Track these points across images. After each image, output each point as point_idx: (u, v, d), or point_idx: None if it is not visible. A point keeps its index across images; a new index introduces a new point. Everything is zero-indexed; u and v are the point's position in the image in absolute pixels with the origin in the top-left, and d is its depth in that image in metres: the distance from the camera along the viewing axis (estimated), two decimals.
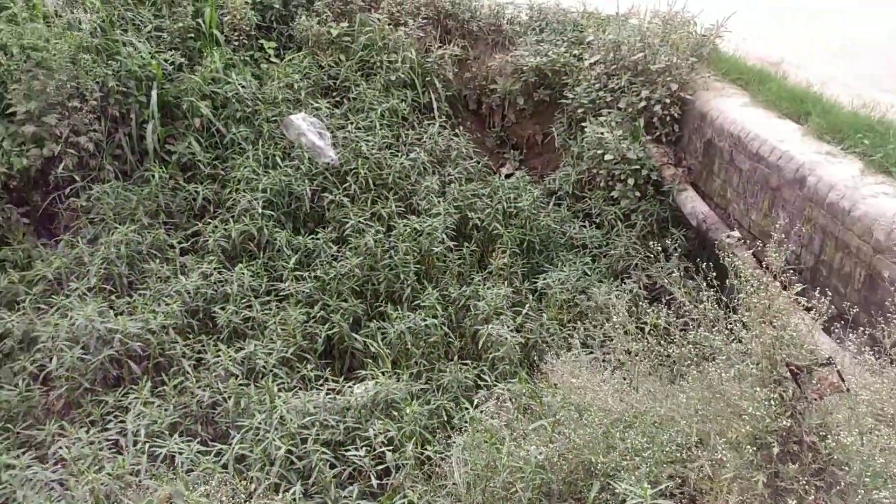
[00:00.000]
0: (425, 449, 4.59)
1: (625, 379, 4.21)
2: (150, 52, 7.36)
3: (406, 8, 8.97)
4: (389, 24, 8.67)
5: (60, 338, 5.42)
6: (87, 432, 4.75)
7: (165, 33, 7.78)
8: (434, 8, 9.12)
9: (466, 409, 4.85)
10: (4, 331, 5.81)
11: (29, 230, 6.98)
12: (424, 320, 6.14)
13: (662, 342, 3.93)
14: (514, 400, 4.49)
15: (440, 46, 8.95)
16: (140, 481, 4.24)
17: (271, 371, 5.60)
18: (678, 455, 3.35)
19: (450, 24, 9.22)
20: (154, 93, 7.18)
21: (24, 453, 4.73)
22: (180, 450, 4.50)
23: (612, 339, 5.60)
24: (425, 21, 9.00)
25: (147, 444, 4.66)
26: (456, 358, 5.91)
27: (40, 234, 7.13)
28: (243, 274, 6.40)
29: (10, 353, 5.88)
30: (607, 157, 7.48)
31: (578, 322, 6.14)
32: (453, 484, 3.94)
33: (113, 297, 6.20)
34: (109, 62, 7.12)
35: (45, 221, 7.22)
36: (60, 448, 4.64)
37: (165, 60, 7.46)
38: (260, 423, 4.83)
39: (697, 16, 8.27)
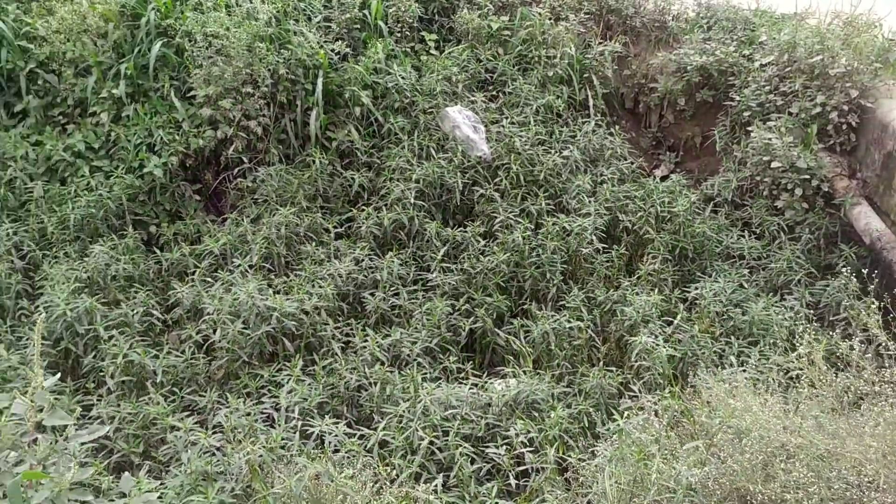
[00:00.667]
0: (567, 456, 4.53)
1: (786, 404, 3.97)
2: (318, 42, 7.65)
3: (568, 2, 8.83)
4: (550, 19, 8.57)
5: (224, 311, 5.76)
6: (244, 403, 5.04)
7: (333, 24, 8.07)
8: (597, 2, 8.93)
9: (612, 418, 4.74)
10: (175, 300, 6.26)
11: (200, 207, 7.48)
12: (569, 321, 6.05)
13: (836, 370, 3.66)
14: (662, 414, 4.34)
15: (600, 42, 8.75)
16: (291, 457, 4.44)
17: (415, 360, 5.71)
18: (848, 495, 3.12)
19: (612, 19, 9.00)
20: (320, 81, 7.46)
21: (187, 417, 5.08)
22: (329, 430, 4.66)
23: (768, 359, 5.32)
24: (587, 16, 8.83)
25: (298, 422, 4.88)
26: (601, 364, 5.79)
27: (209, 211, 7.62)
28: (393, 262, 6.54)
29: (178, 321, 6.34)
30: (774, 164, 7.06)
31: (732, 337, 5.87)
32: (595, 495, 3.86)
33: (272, 276, 6.52)
34: (281, 51, 7.46)
35: (214, 199, 7.70)
36: (220, 416, 4.94)
37: (332, 50, 7.72)
38: (404, 412, 4.93)
39: (885, 18, 7.64)
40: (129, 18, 7.60)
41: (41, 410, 2.41)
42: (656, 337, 5.70)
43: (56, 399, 5.23)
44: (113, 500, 2.66)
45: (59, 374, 2.56)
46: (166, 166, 7.15)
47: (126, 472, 3.01)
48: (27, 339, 5.82)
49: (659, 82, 8.58)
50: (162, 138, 7.16)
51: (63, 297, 5.84)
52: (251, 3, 7.41)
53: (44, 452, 2.41)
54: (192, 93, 7.34)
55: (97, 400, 5.31)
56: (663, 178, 8.22)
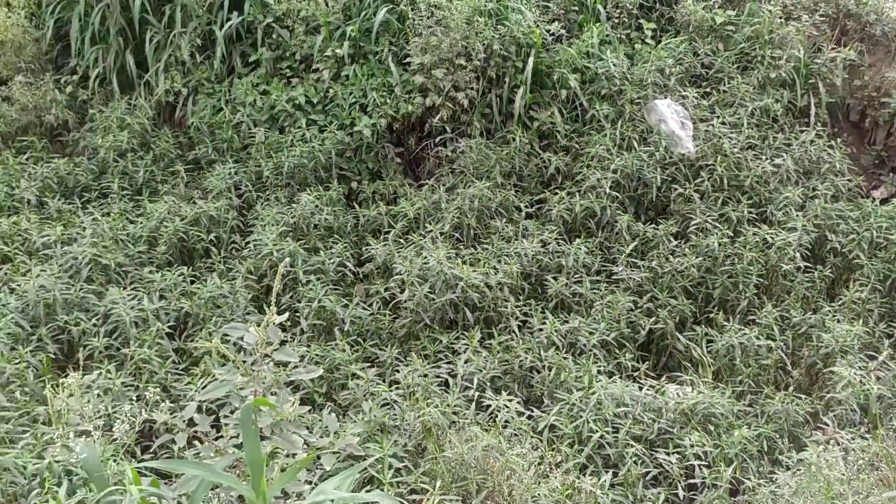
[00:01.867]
0: (744, 478, 4.35)
1: None
2: (534, 21, 7.65)
3: (803, 2, 8.25)
4: (781, 17, 8.05)
5: (413, 273, 5.99)
6: (422, 364, 5.24)
7: (552, 3, 8.04)
8: (834, 4, 8.28)
9: (796, 447, 4.49)
10: (368, 256, 6.58)
11: (399, 169, 7.77)
12: (758, 338, 5.75)
13: None
14: (858, 453, 4.04)
15: (833, 48, 8.12)
16: (463, 424, 4.57)
17: (591, 351, 5.66)
18: None
19: (849, 24, 8.31)
20: (531, 60, 7.48)
21: (368, 367, 5.37)
22: (503, 405, 4.75)
23: None
24: (821, 18, 8.22)
25: (474, 392, 5.01)
26: (790, 389, 5.47)
27: (407, 175, 7.90)
28: (580, 249, 6.50)
29: (368, 276, 6.67)
30: None
31: None
32: None
33: (460, 246, 6.68)
34: (497, 26, 7.54)
35: (413, 164, 7.98)
36: (400, 372, 5.18)
37: (547, 30, 7.71)
38: (576, 401, 4.92)
39: None
40: None
41: (270, 344, 2.62)
42: (855, 369, 5.30)
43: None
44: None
45: (287, 313, 2.75)
46: (375, 127, 7.48)
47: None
48: (235, 271, 6.35)
49: (893, 97, 7.86)
50: (375, 100, 7.49)
51: (271, 238, 6.31)
52: None
53: (269, 383, 2.63)
54: (407, 59, 7.60)
55: (290, 338, 5.71)
56: (883, 202, 7.55)
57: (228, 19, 7.96)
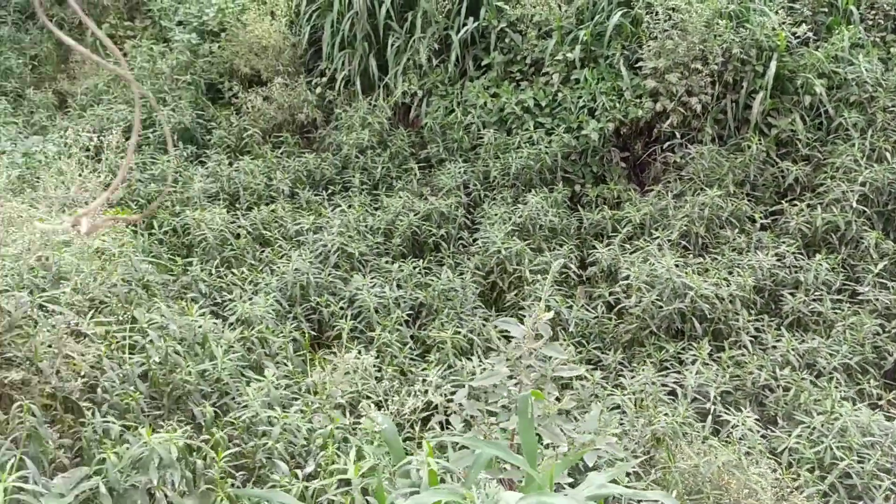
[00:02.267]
0: None
1: None
2: (779, 23, 7.30)
3: None
4: None
5: (640, 279, 5.95)
6: (647, 372, 5.20)
7: (798, 4, 7.62)
8: None
9: None
10: (592, 259, 6.63)
11: (623, 174, 7.73)
12: None
13: None
14: None
15: None
16: (694, 436, 4.50)
17: (831, 374, 5.34)
18: None
19: None
20: (773, 64, 7.14)
21: (592, 370, 5.41)
22: (742, 422, 4.61)
23: None
24: None
25: (701, 404, 4.91)
26: None
27: (631, 180, 7.84)
28: (820, 265, 6.13)
29: (590, 279, 6.72)
30: None
31: None
32: None
33: (687, 255, 6.54)
34: (738, 29, 7.27)
35: (637, 169, 7.90)
36: (623, 377, 5.18)
37: (792, 33, 7.32)
38: (818, 425, 4.67)
39: None
40: None
41: (538, 339, 2.75)
42: None
43: (482, 325, 5.95)
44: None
45: (552, 312, 2.88)
46: (602, 131, 7.49)
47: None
48: (464, 266, 6.65)
49: None
50: (603, 104, 7.51)
51: (500, 237, 6.54)
52: None
53: (535, 377, 2.76)
54: (639, 63, 7.54)
55: None
56: None
57: (464, 24, 8.32)
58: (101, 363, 3.47)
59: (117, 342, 3.83)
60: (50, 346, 3.06)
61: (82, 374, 3.18)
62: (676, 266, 6.02)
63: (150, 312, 4.32)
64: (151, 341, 3.88)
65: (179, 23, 10.02)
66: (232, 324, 5.09)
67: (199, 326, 4.39)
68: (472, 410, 2.86)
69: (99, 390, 3.34)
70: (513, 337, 2.88)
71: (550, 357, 2.88)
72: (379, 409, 3.68)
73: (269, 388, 3.90)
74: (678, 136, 7.44)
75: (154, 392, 3.93)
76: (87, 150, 8.71)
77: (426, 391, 3.15)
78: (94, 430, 3.19)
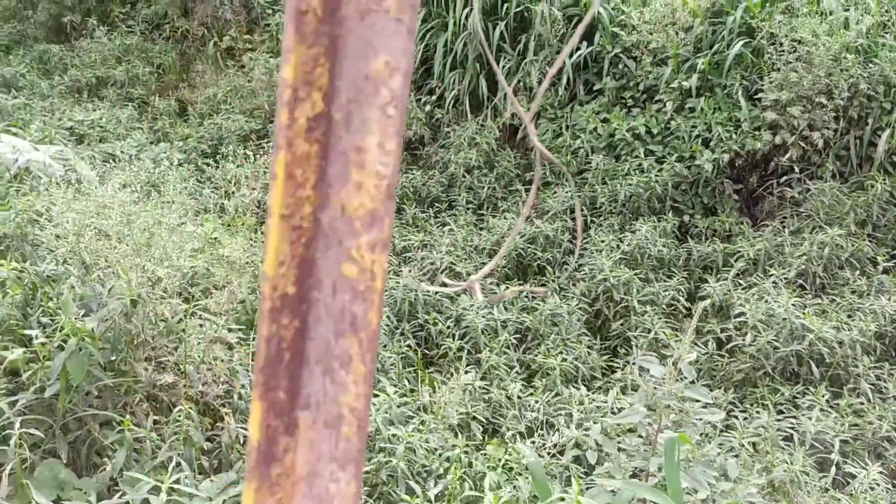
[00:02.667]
0: None
1: None
2: None
3: None
4: None
5: (756, 317, 5.79)
6: (759, 415, 5.05)
7: None
8: None
9: None
10: (703, 293, 6.49)
11: (735, 207, 7.55)
12: None
13: None
14: None
15: None
16: (811, 489, 4.34)
17: None
18: None
19: None
20: None
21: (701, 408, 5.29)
22: (872, 478, 4.43)
23: None
24: None
25: (819, 452, 4.73)
26: None
27: (743, 213, 7.65)
28: None
29: (698, 312, 6.57)
30: None
31: None
32: None
33: (804, 295, 6.33)
34: (867, 64, 7.02)
35: (750, 202, 7.70)
36: (736, 418, 5.04)
37: None
38: None
39: None
40: (715, 15, 7.88)
41: (680, 380, 2.72)
42: None
43: (588, 353, 5.91)
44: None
45: (695, 353, 2.84)
46: (716, 162, 7.34)
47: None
48: (570, 292, 6.62)
49: None
50: (719, 134, 7.36)
51: (609, 265, 6.48)
52: (847, 11, 7.09)
53: (676, 417, 2.73)
54: (759, 95, 7.37)
55: (622, 365, 5.83)
56: None
57: (578, 49, 8.31)
58: (237, 369, 3.61)
59: (249, 349, 3.98)
60: (199, 352, 3.21)
61: (222, 379, 3.32)
62: (794, 306, 5.84)
63: None
64: None
65: None
66: None
67: None
68: (610, 448, 2.84)
69: (235, 396, 3.48)
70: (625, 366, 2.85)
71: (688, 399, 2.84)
72: (522, 439, 3.70)
73: (390, 404, 3.97)
74: (797, 170, 7.22)
75: None
76: (206, 156, 9.10)
77: (567, 425, 3.14)
78: (230, 435, 3.32)
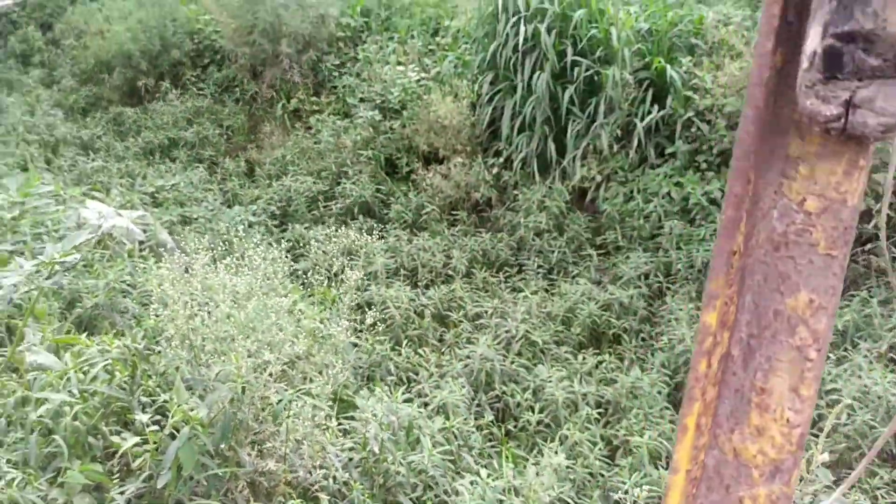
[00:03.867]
0: None
1: None
2: None
3: None
4: None
5: (850, 394, 5.53)
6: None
7: None
8: None
9: None
10: None
11: None
12: None
13: None
14: None
15: None
16: None
17: None
18: None
19: None
20: None
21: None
22: None
23: None
24: None
25: None
26: None
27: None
28: None
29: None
30: None
31: None
32: None
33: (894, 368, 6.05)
34: None
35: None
36: None
37: None
38: None
39: None
40: None
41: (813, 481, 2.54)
42: None
43: (672, 430, 5.69)
44: None
45: (826, 454, 2.67)
46: None
47: None
48: (649, 363, 6.43)
49: None
50: None
51: (689, 336, 6.30)
52: None
53: None
54: None
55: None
56: None
57: (649, 112, 8.26)
58: (326, 448, 3.53)
59: (337, 426, 3.91)
60: (300, 436, 3.15)
61: (319, 464, 3.24)
62: (890, 383, 5.57)
63: (361, 396, 4.39)
64: (369, 428, 3.92)
65: (362, 99, 10.54)
66: (422, 408, 5.11)
67: (405, 413, 4.42)
68: None
69: (330, 480, 3.39)
70: None
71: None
72: None
73: (484, 487, 3.84)
74: (882, 238, 6.96)
75: (365, 480, 3.96)
76: (274, 217, 9.20)
77: None
78: None
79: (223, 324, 3.16)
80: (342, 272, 7.44)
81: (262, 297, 3.48)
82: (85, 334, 4.68)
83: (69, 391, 2.90)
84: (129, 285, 5.34)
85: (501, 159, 9.21)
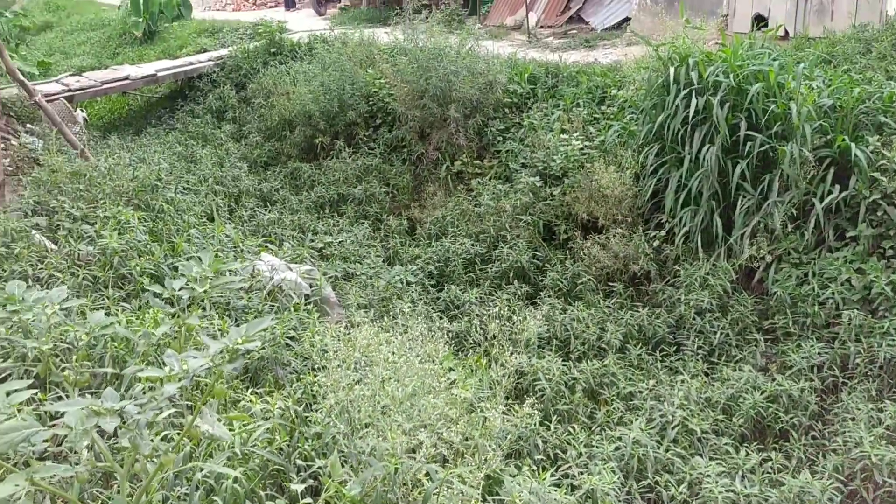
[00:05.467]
0: None
1: None
2: None
3: None
4: None
5: None
6: None
7: None
8: None
9: None
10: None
11: None
12: None
13: None
14: None
15: None
16: None
17: None
18: None
19: None
20: None
21: None
22: None
23: None
24: None
25: None
26: None
27: None
28: None
29: None
30: None
31: None
32: None
33: None
34: None
35: None
36: None
37: None
38: None
39: None
40: None
41: None
42: None
43: None
44: None
45: None
46: None
47: None
48: (819, 466, 5.90)
49: None
50: None
51: (868, 439, 5.73)
52: None
53: None
54: None
55: None
56: None
57: (829, 192, 7.76)
58: None
59: None
60: None
61: None
62: None
63: (508, 473, 4.31)
64: None
65: (524, 165, 10.64)
66: (569, 493, 4.94)
67: (552, 499, 4.29)
68: None
69: None
70: None
71: None
72: None
73: None
74: None
75: None
76: (431, 276, 9.39)
77: None
78: None
79: (380, 394, 3.22)
80: (496, 338, 7.45)
81: (417, 369, 3.52)
82: (249, 384, 4.94)
83: (233, 450, 3.05)
84: (292, 339, 5.59)
85: (663, 232, 8.94)
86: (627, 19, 15.67)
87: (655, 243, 8.89)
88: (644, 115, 9.69)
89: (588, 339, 7.63)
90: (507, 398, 6.32)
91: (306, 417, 3.66)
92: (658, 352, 7.55)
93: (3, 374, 3.67)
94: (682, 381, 6.70)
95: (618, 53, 13.44)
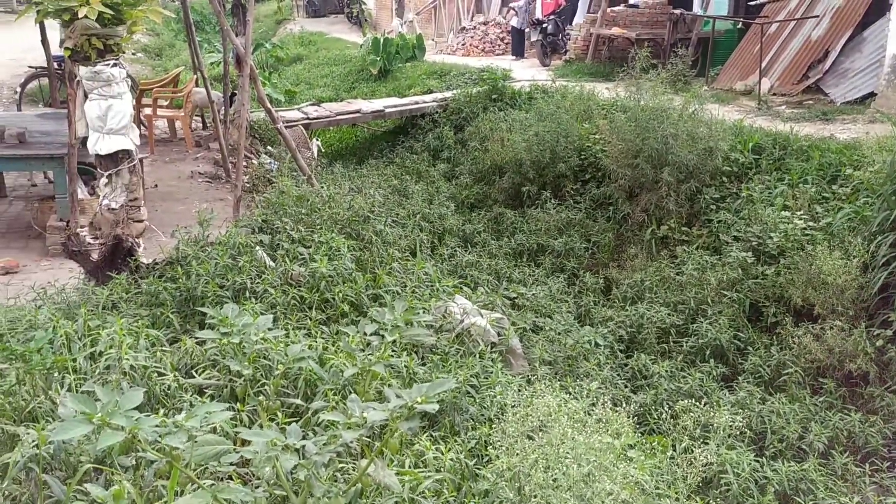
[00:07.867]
0: None
1: None
2: None
3: None
4: None
5: None
6: None
7: None
8: None
9: None
10: None
11: None
12: None
13: None
14: None
15: None
16: None
17: None
18: None
19: None
20: None
21: None
22: None
23: None
24: None
25: None
26: None
27: None
28: None
29: None
30: None
31: None
32: None
33: None
34: None
35: None
36: None
37: None
38: None
39: None
40: None
41: None
42: None
43: None
44: None
45: None
46: None
47: None
48: None
49: None
50: None
51: None
52: None
53: None
54: None
55: None
56: None
57: None
58: None
59: None
60: None
61: None
62: None
63: None
64: None
65: (736, 238, 10.06)
66: None
67: None
68: None
69: None
70: None
71: None
72: None
73: None
74: None
75: None
76: (621, 341, 9.09)
77: None
78: None
79: (555, 468, 3.12)
80: (681, 415, 7.04)
81: (597, 446, 3.39)
82: (426, 424, 5.01)
83: (401, 496, 3.09)
84: (473, 387, 5.62)
85: (890, 332, 8.03)
86: (872, 94, 14.43)
87: (879, 342, 8.00)
88: (882, 201, 8.83)
89: (787, 437, 6.99)
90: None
91: (476, 472, 3.64)
92: (868, 464, 6.75)
93: (209, 386, 4.00)
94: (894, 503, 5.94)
95: (858, 130, 12.39)
